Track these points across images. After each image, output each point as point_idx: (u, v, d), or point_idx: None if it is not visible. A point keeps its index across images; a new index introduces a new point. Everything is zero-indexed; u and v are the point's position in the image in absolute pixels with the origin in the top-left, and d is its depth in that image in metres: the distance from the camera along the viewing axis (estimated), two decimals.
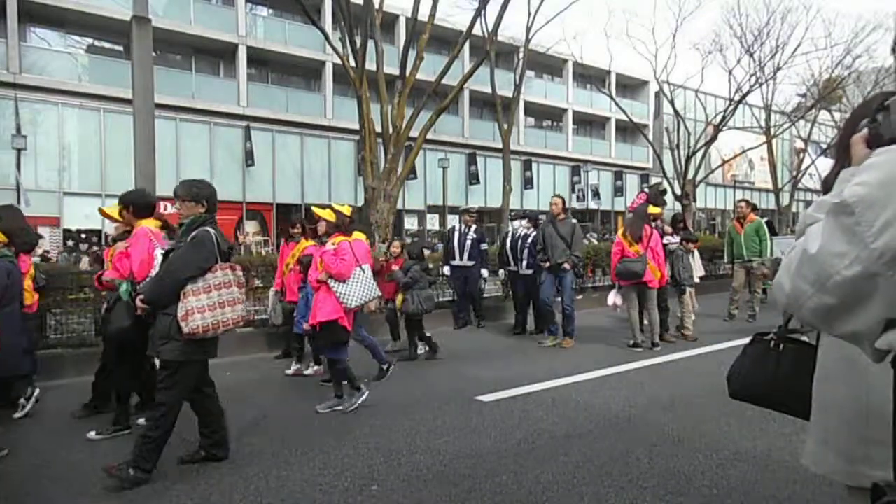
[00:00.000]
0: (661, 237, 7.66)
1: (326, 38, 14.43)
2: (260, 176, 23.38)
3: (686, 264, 7.66)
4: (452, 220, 14.76)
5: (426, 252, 7.98)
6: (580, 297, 10.72)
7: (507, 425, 4.24)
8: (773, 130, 29.05)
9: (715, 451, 3.63)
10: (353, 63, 12.72)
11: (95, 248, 11.56)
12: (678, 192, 24.31)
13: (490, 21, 16.82)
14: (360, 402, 4.69)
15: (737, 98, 24.05)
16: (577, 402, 4.80)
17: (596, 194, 33.43)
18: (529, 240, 7.76)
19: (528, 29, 21.64)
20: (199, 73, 23.29)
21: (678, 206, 23.64)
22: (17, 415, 4.57)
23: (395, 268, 6.62)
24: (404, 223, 26.36)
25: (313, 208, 5.15)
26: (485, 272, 8.68)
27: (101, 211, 4.90)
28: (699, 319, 7.90)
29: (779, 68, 24.46)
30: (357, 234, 5.49)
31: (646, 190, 8.04)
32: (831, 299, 0.84)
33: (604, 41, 44.39)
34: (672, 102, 24.57)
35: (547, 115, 33.90)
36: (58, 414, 4.65)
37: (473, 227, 8.59)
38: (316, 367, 5.99)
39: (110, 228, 5.93)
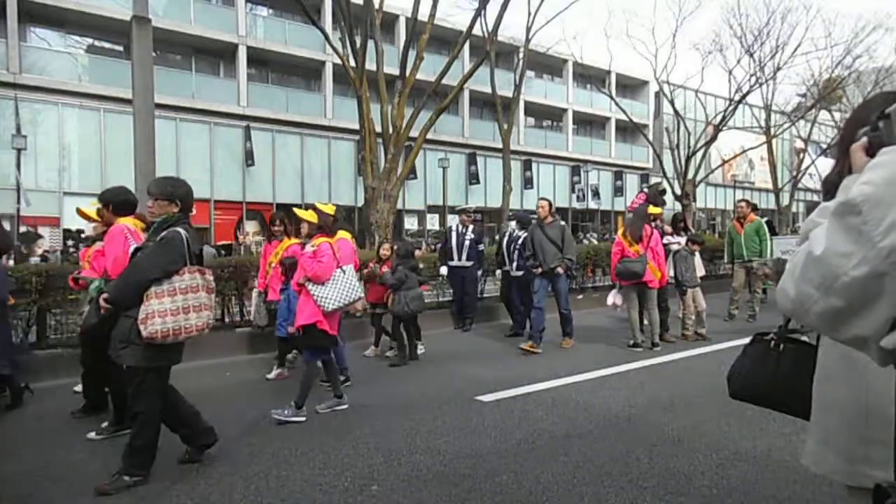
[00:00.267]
0: (662, 237, 7.65)
1: (326, 38, 14.44)
2: (260, 176, 23.39)
3: (689, 265, 7.58)
4: (452, 220, 14.79)
5: (416, 252, 7.92)
6: (580, 296, 10.73)
7: (507, 425, 4.24)
8: (773, 130, 29.08)
9: (715, 451, 3.63)
10: (353, 63, 12.73)
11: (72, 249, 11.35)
12: (678, 192, 24.31)
13: (490, 21, 16.84)
14: (293, 418, 4.43)
15: (737, 98, 24.06)
16: (577, 402, 4.79)
17: (596, 194, 33.43)
18: (520, 241, 7.76)
19: (528, 29, 21.66)
20: (199, 73, 23.30)
21: (678, 206, 23.64)
22: None
23: (384, 270, 6.58)
24: (404, 223, 26.37)
25: (294, 210, 4.99)
26: (479, 273, 8.63)
27: (78, 211, 4.76)
28: (695, 316, 7.88)
29: (779, 68, 24.50)
30: (342, 234, 5.41)
31: (645, 190, 8.01)
32: (838, 301, 0.83)
33: (604, 41, 44.52)
34: (672, 102, 24.58)
35: (547, 115, 33.91)
36: (58, 414, 4.64)
37: (471, 227, 8.56)
38: (279, 371, 5.83)
39: (89, 229, 5.79)
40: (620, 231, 7.29)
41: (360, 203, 18.71)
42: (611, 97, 27.79)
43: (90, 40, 21.93)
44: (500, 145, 21.99)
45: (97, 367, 4.21)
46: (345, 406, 4.70)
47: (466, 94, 26.92)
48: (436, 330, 8.51)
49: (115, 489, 3.18)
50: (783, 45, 23.90)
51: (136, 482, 3.23)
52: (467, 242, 8.35)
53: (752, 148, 31.37)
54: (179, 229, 3.31)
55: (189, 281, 3.27)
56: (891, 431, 1.12)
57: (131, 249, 3.58)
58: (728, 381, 1.75)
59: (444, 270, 8.61)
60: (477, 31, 14.86)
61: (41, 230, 17.90)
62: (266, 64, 24.90)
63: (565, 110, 33.37)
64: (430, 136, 14.37)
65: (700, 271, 8.34)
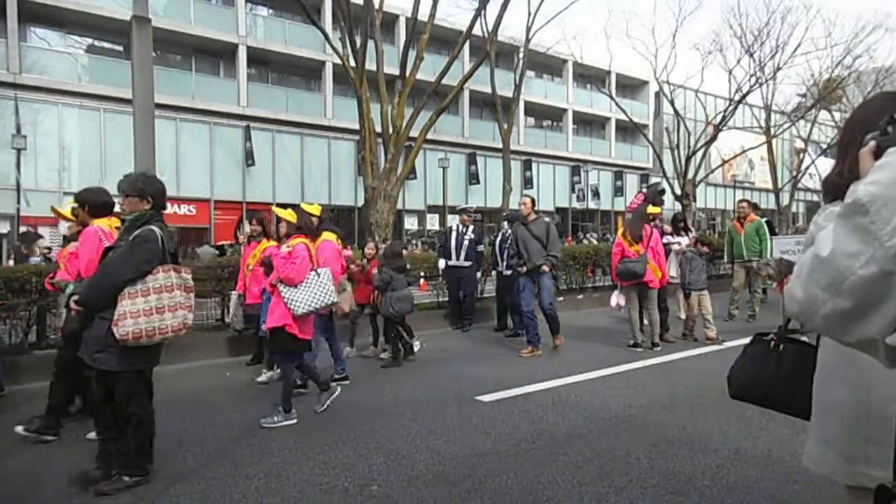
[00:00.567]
0: (661, 237, 7.65)
1: (326, 38, 14.43)
2: (260, 176, 23.40)
3: (696, 267, 7.36)
4: (453, 220, 14.78)
5: (404, 252, 7.85)
6: (580, 296, 10.74)
7: (507, 425, 4.24)
8: (773, 130, 29.07)
9: (715, 451, 3.63)
10: (353, 63, 12.73)
11: (45, 250, 11.17)
12: (678, 192, 24.31)
13: (490, 21, 16.83)
14: (283, 422, 4.34)
15: (737, 98, 24.05)
16: (577, 402, 4.79)
17: (596, 194, 33.45)
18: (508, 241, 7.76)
19: (528, 29, 21.65)
20: (199, 73, 23.30)
21: (678, 206, 23.64)
22: None
23: (374, 271, 6.53)
24: (404, 223, 26.38)
25: (273, 208, 4.88)
26: (479, 274, 8.62)
27: (53, 209, 4.63)
28: (699, 320, 7.88)
29: (779, 68, 24.49)
30: (327, 235, 5.36)
31: (644, 191, 7.99)
32: (846, 302, 0.82)
33: (604, 41, 44.69)
34: (672, 102, 24.58)
35: (547, 115, 33.91)
36: None
37: (471, 227, 8.54)
38: (269, 374, 5.69)
39: (64, 228, 5.63)
40: (620, 231, 7.28)
41: (360, 203, 18.70)
42: (611, 97, 27.79)
43: (90, 40, 21.93)
44: (500, 145, 21.98)
45: (74, 373, 3.98)
46: (337, 393, 4.74)
47: (466, 94, 26.92)
48: (435, 330, 8.52)
49: (115, 489, 3.17)
50: (783, 45, 23.94)
51: (136, 482, 3.23)
52: (466, 242, 8.33)
53: (752, 148, 31.37)
54: (153, 227, 3.20)
55: (163, 280, 3.16)
56: (891, 431, 1.13)
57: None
58: (728, 381, 1.75)
59: (441, 263, 8.58)
60: (477, 31, 14.85)
61: (41, 230, 17.89)
62: (266, 64, 24.91)
63: (565, 110, 33.38)
64: (430, 136, 14.36)
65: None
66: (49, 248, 12.37)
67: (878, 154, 0.93)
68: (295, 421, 4.38)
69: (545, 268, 6.72)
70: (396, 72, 13.26)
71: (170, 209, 21.28)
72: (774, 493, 3.08)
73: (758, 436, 3.87)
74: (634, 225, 7.03)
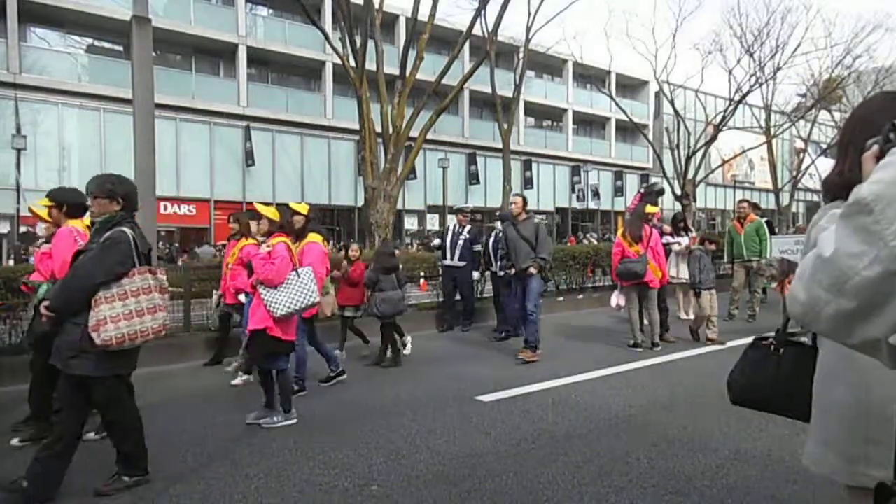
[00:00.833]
0: (661, 237, 7.64)
1: (326, 38, 14.44)
2: (260, 176, 23.40)
3: (705, 265, 7.19)
4: (452, 220, 14.80)
5: (397, 252, 7.75)
6: (580, 296, 10.74)
7: (507, 425, 4.24)
8: (773, 130, 29.09)
9: (715, 451, 3.63)
10: (353, 63, 12.74)
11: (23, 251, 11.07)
12: (678, 192, 24.31)
13: (490, 21, 16.84)
14: (283, 422, 4.30)
15: (737, 98, 24.07)
16: (577, 402, 4.79)
17: (596, 194, 33.45)
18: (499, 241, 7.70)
19: (528, 29, 21.67)
20: (199, 73, 23.32)
21: (678, 206, 23.65)
22: None
23: (357, 273, 6.43)
24: (404, 223, 26.39)
25: (255, 204, 4.73)
26: (476, 274, 8.51)
27: (30, 209, 4.52)
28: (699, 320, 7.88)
29: (779, 68, 24.51)
30: (312, 237, 5.22)
31: (642, 191, 7.98)
32: (850, 303, 0.81)
33: (604, 41, 44.75)
34: (672, 102, 24.59)
35: (547, 115, 33.92)
36: None
37: (468, 227, 8.47)
38: (245, 377, 5.56)
39: (41, 229, 5.46)
40: (620, 232, 7.27)
41: (360, 203, 18.71)
42: (611, 97, 27.80)
43: (90, 40, 21.94)
44: (500, 145, 21.99)
45: (47, 375, 3.85)
46: (292, 422, 4.33)
47: (466, 94, 26.93)
48: (435, 330, 8.52)
49: (114, 489, 3.17)
50: (783, 45, 23.96)
51: (136, 482, 3.23)
52: (461, 242, 8.27)
53: (752, 148, 31.38)
54: (125, 229, 3.11)
55: (140, 283, 3.09)
56: (891, 431, 1.13)
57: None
58: (728, 387, 1.73)
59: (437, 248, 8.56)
60: (477, 31, 14.86)
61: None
62: (266, 64, 24.91)
63: (565, 110, 33.38)
64: (430, 136, 14.38)
65: (686, 273, 8.24)
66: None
67: (880, 159, 0.93)
68: (295, 421, 4.37)
69: (532, 270, 6.44)
70: (396, 72, 13.27)
71: (170, 209, 21.42)
72: (774, 493, 3.08)
73: (758, 436, 3.87)
74: (634, 225, 7.03)
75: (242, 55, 23.26)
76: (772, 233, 9.18)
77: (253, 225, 4.96)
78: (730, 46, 26.54)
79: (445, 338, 8.14)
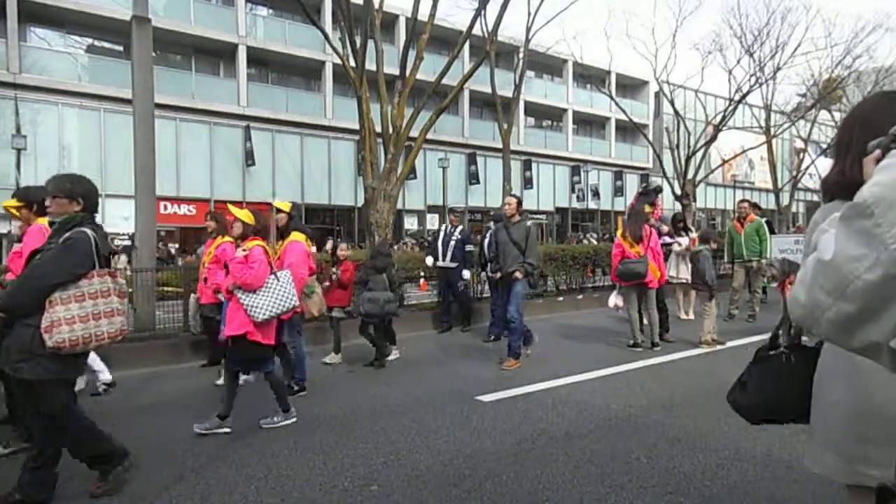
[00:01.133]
0: (660, 237, 7.64)
1: (326, 38, 14.43)
2: (260, 176, 23.40)
3: (711, 265, 7.08)
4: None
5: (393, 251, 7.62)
6: (580, 296, 10.74)
7: (507, 425, 4.24)
8: (773, 130, 29.06)
9: (715, 451, 3.63)
10: (353, 63, 12.72)
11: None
12: (678, 192, 24.31)
13: (490, 21, 16.83)
14: (283, 422, 4.29)
15: (737, 98, 24.05)
16: (577, 402, 4.79)
17: (596, 194, 33.45)
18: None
19: (528, 29, 21.65)
20: (199, 73, 23.31)
21: (678, 206, 23.64)
22: None
23: (346, 273, 6.36)
24: (404, 223, 26.38)
25: (229, 206, 4.56)
26: (466, 273, 8.42)
27: (6, 207, 4.39)
28: (698, 320, 7.88)
29: (779, 68, 24.48)
30: (295, 236, 5.12)
31: (640, 192, 7.99)
32: (851, 307, 0.80)
33: (604, 41, 44.66)
34: (672, 102, 24.57)
35: (547, 115, 33.92)
36: None
37: (460, 227, 8.45)
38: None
39: (15, 227, 5.33)
40: (619, 232, 7.26)
41: (360, 203, 18.70)
42: (611, 97, 27.78)
43: (90, 40, 21.93)
44: (500, 145, 21.98)
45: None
46: (227, 430, 4.16)
47: (466, 94, 26.92)
48: (434, 330, 8.52)
49: (105, 492, 3.15)
50: (783, 45, 23.91)
51: (122, 470, 3.20)
52: (452, 242, 8.23)
53: (752, 148, 31.35)
54: (85, 229, 3.02)
55: (99, 285, 3.00)
56: (891, 431, 1.13)
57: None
58: (749, 412, 1.69)
59: (429, 261, 8.49)
60: (477, 31, 14.85)
61: None
62: (266, 64, 24.91)
63: (565, 110, 33.38)
64: (430, 136, 14.35)
65: (686, 274, 8.25)
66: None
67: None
68: (294, 420, 4.38)
69: (518, 274, 6.18)
70: (396, 72, 13.25)
71: (170, 209, 21.43)
72: (774, 493, 3.08)
73: (758, 436, 3.86)
74: (634, 225, 7.03)
75: (242, 55, 23.26)
76: (771, 233, 9.19)
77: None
78: (730, 46, 26.54)
79: (445, 338, 8.14)
